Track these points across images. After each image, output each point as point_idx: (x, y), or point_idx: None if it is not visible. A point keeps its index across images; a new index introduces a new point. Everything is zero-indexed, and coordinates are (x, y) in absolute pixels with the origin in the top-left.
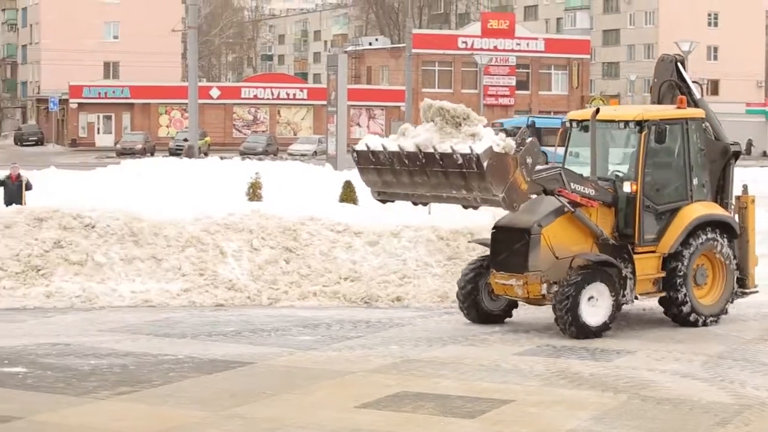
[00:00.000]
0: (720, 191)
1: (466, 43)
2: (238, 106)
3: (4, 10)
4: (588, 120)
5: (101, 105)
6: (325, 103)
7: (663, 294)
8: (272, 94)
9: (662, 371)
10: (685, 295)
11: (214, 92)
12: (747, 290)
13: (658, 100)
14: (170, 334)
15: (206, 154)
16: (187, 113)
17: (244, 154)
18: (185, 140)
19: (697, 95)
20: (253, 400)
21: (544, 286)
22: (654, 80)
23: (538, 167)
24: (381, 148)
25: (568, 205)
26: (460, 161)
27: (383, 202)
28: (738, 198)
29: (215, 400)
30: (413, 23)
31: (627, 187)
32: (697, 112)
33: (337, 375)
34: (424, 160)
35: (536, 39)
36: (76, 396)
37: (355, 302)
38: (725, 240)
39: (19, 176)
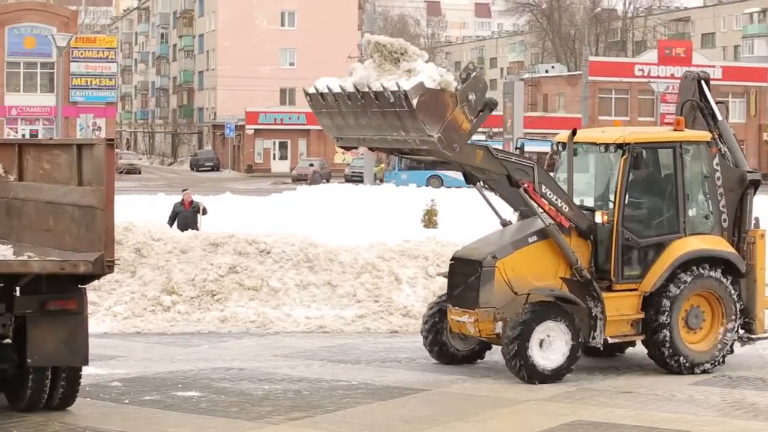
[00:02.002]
0: (737, 224)
1: (642, 70)
2: None
3: (181, 36)
4: (578, 143)
5: (277, 131)
6: (500, 130)
7: (642, 337)
8: None
9: None
10: (665, 338)
11: None
12: (754, 336)
13: None
14: (344, 360)
15: (382, 181)
16: None
17: None
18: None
19: (719, 116)
20: (426, 427)
21: (499, 324)
22: (678, 99)
23: (510, 152)
24: (327, 90)
25: (544, 221)
26: (392, 99)
27: (345, 149)
28: (746, 232)
29: (389, 427)
30: (590, 51)
31: (598, 218)
32: (698, 135)
33: (510, 403)
34: (363, 100)
35: (713, 66)
36: (250, 420)
37: None
38: (727, 279)
39: (192, 202)
